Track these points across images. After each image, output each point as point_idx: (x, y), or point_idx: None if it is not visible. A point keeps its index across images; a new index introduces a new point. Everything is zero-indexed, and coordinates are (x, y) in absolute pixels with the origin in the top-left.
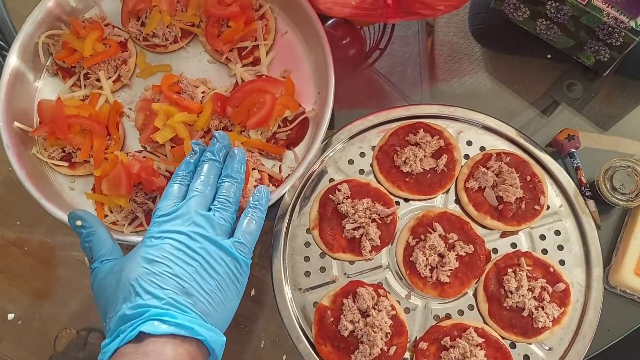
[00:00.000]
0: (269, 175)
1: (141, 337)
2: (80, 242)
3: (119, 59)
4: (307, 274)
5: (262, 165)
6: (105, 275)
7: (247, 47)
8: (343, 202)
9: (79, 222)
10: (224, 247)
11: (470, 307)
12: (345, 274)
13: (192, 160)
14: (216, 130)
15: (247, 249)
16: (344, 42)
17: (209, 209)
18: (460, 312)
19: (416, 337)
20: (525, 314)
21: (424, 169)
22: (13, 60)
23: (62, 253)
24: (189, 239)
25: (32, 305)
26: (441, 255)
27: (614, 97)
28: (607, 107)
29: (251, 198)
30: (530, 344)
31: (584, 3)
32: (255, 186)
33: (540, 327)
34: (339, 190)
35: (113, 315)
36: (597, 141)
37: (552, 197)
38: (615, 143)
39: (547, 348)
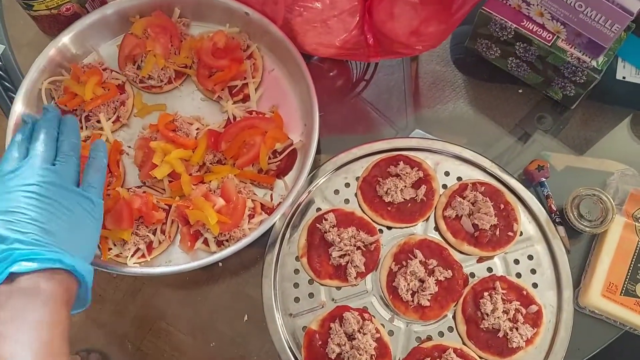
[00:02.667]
0: (261, 204)
1: (12, 277)
2: None
3: (117, 101)
4: (297, 299)
5: (255, 194)
6: None
7: (237, 85)
8: (329, 231)
9: None
10: (75, 190)
11: (450, 329)
12: (332, 299)
13: (26, 129)
14: (211, 164)
15: (96, 189)
16: (331, 74)
17: (53, 165)
18: (441, 334)
19: (399, 359)
20: (500, 334)
21: (404, 199)
22: (18, 107)
23: None
24: (40, 188)
25: None
26: (421, 280)
27: (589, 121)
28: (583, 131)
29: (90, 151)
30: None
31: (549, 44)
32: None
33: (514, 347)
34: (326, 220)
35: None
36: (576, 162)
37: (525, 223)
38: (594, 164)
39: None
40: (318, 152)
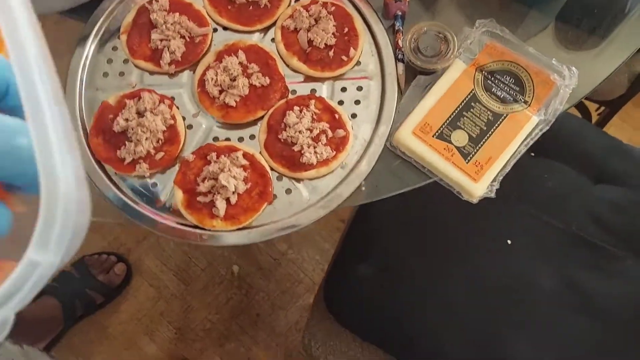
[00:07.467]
0: None
1: None
2: None
3: None
4: (105, 74)
5: None
6: None
7: None
8: (156, 11)
9: None
10: None
11: (252, 137)
12: (144, 83)
13: None
14: None
15: None
16: None
17: None
18: (241, 139)
19: (191, 152)
20: (296, 149)
21: (247, 0)
22: None
23: None
24: None
25: None
26: (233, 79)
27: None
28: None
29: None
30: (299, 181)
31: None
32: None
33: (305, 162)
34: (157, 1)
35: None
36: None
37: (367, 55)
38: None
39: (310, 187)
40: None
